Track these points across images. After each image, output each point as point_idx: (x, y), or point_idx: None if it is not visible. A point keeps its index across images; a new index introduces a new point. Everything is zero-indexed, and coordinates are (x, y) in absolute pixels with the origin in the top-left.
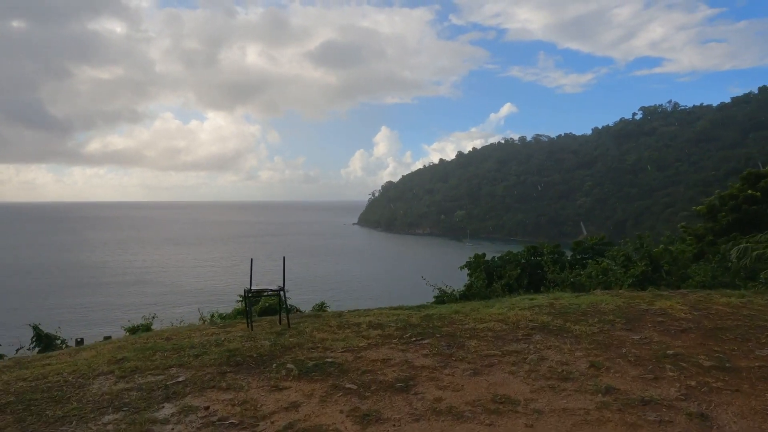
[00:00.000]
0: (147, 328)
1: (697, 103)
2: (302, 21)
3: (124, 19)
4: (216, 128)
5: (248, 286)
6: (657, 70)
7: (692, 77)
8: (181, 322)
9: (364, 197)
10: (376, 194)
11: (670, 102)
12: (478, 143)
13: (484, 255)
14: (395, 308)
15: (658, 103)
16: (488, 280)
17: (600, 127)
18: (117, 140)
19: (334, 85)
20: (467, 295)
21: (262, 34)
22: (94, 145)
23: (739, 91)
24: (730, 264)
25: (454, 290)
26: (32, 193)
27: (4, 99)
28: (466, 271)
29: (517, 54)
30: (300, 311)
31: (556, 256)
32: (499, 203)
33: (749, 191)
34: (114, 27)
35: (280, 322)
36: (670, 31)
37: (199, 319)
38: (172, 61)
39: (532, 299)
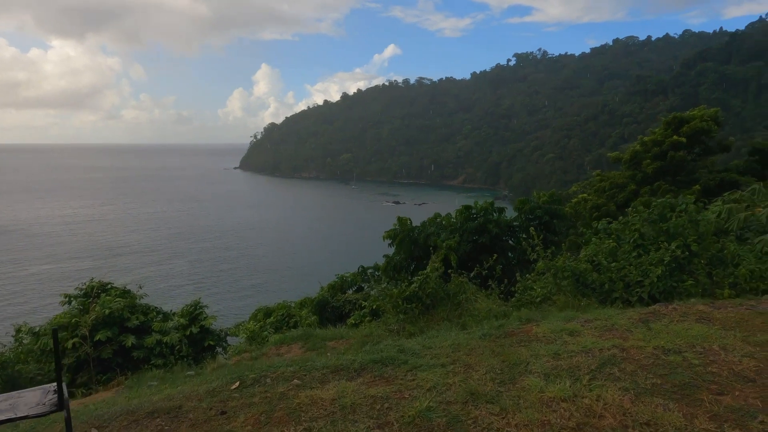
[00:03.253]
0: None
1: (563, 52)
2: None
3: None
4: (64, 59)
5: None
6: (528, 18)
7: (558, 27)
8: None
9: (246, 140)
10: (259, 137)
11: (540, 50)
12: (363, 85)
13: (409, 221)
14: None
15: (529, 50)
16: (418, 254)
17: (478, 72)
18: None
19: (205, 16)
20: (413, 297)
21: None
22: None
23: (596, 43)
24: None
25: (381, 280)
26: None
27: None
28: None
29: None
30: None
31: (495, 216)
32: (384, 146)
33: (675, 137)
34: None
35: None
36: None
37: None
38: None
39: (573, 334)
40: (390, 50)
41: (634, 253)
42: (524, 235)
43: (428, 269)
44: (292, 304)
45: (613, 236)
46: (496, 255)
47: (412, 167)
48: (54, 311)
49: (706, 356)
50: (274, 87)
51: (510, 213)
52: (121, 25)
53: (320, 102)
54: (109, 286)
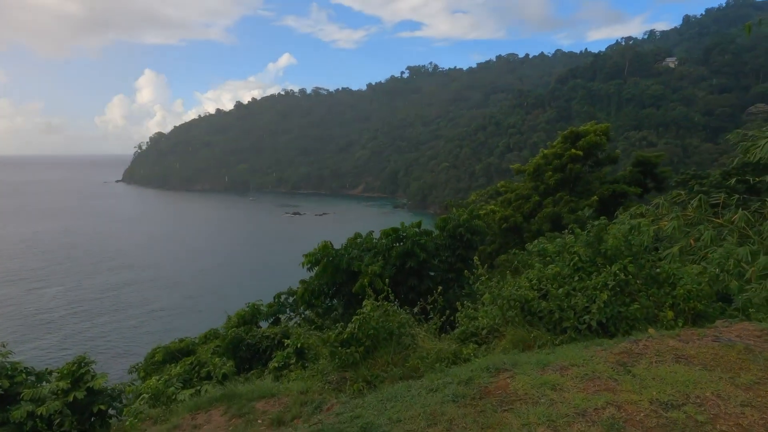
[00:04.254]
0: None
1: (452, 66)
2: None
3: None
4: None
5: None
6: (418, 33)
7: (447, 43)
8: None
9: (129, 150)
10: (144, 147)
11: (431, 63)
12: (257, 93)
13: (331, 244)
14: None
15: (421, 63)
16: (340, 279)
17: (374, 83)
18: None
19: (77, 16)
20: (351, 339)
21: None
22: None
23: (481, 58)
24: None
25: (297, 307)
26: None
27: None
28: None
29: (291, 3)
30: None
31: (423, 239)
32: (282, 156)
33: (573, 150)
34: None
35: None
36: None
37: None
38: None
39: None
40: (285, 59)
41: (576, 277)
42: (447, 254)
43: (367, 307)
44: (196, 340)
45: (548, 258)
46: (441, 288)
47: (311, 177)
48: None
49: (707, 409)
50: (160, 94)
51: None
52: None
53: (212, 111)
54: None
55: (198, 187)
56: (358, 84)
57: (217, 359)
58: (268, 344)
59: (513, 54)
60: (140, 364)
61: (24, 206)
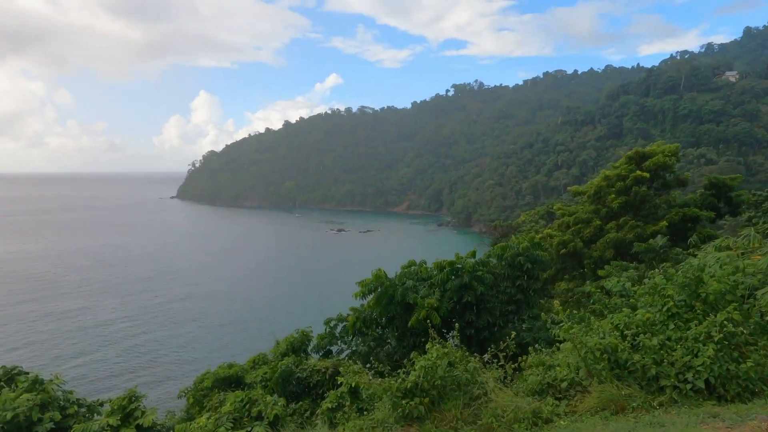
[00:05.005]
0: None
1: (498, 84)
2: None
3: None
4: None
5: None
6: (463, 51)
7: (492, 60)
8: None
9: (183, 168)
10: (197, 165)
11: (476, 81)
12: (305, 113)
13: (383, 274)
14: None
15: (466, 81)
16: (394, 311)
17: (418, 101)
18: None
19: (138, 41)
20: (415, 389)
21: None
22: None
23: (527, 75)
24: None
25: (347, 336)
26: None
27: None
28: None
29: (338, 25)
30: None
31: (481, 272)
32: (327, 174)
33: (638, 172)
34: None
35: None
36: (473, 17)
37: None
38: None
39: None
40: (332, 79)
41: (671, 325)
42: (506, 285)
43: (432, 353)
44: (245, 366)
45: (632, 300)
46: (514, 333)
47: (355, 195)
48: None
49: None
50: (213, 114)
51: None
52: (45, 48)
53: (262, 130)
54: (15, 371)
55: (246, 204)
56: (402, 102)
57: (268, 397)
58: (319, 379)
59: (561, 70)
60: (189, 389)
61: (88, 220)
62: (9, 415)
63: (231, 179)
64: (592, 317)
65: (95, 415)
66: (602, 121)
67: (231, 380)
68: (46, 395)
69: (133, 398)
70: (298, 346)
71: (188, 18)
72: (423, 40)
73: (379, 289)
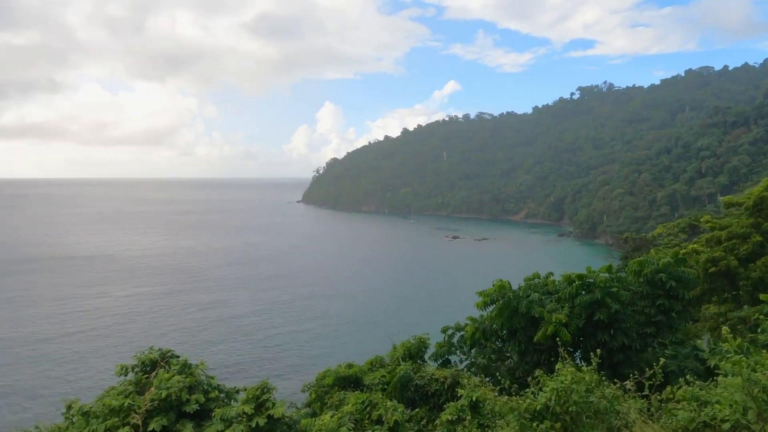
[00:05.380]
0: None
1: (630, 85)
2: None
3: None
4: (147, 101)
5: None
6: (591, 51)
7: (623, 60)
8: None
9: (308, 174)
10: (321, 171)
11: (605, 83)
12: (423, 120)
13: (507, 284)
14: None
15: (593, 83)
16: (517, 325)
17: (540, 106)
18: (35, 111)
19: (273, 59)
20: (546, 412)
21: (193, 1)
22: (9, 117)
23: (665, 74)
24: None
25: (465, 346)
26: None
27: None
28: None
29: (458, 32)
30: None
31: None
32: (443, 180)
33: None
34: None
35: None
36: (602, 15)
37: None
38: (94, 28)
39: None
40: (450, 86)
41: None
42: (644, 304)
43: (565, 376)
44: (363, 367)
45: None
46: (663, 360)
47: (471, 202)
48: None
49: None
50: (336, 123)
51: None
52: (197, 68)
53: (381, 137)
54: (169, 354)
55: (365, 209)
56: (522, 108)
57: (388, 402)
58: (437, 388)
59: (707, 67)
60: (312, 385)
61: (227, 221)
62: (164, 394)
63: (351, 185)
64: (764, 351)
65: (232, 401)
66: (759, 122)
67: (350, 380)
68: (193, 379)
69: (266, 389)
70: (414, 352)
71: (316, 34)
72: (546, 42)
73: (502, 300)
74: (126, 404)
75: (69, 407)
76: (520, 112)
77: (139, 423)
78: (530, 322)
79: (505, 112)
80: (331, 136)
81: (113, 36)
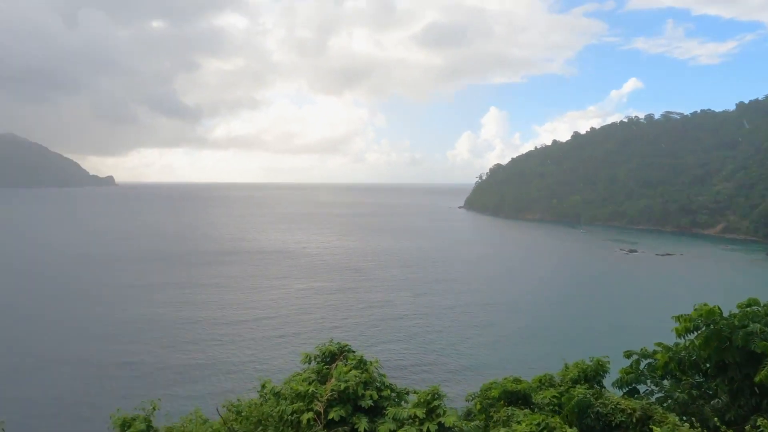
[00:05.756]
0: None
1: None
2: (408, 4)
3: (245, 13)
4: (326, 113)
5: None
6: None
7: None
8: None
9: (471, 180)
10: (484, 177)
11: None
12: (596, 123)
13: (717, 310)
14: None
15: None
16: (729, 359)
17: (746, 101)
18: (239, 126)
19: (439, 67)
20: None
21: (368, 19)
22: (220, 131)
23: None
24: None
25: (657, 376)
26: (171, 175)
27: (148, 92)
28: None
29: (641, 24)
30: None
31: None
32: (619, 188)
33: None
34: (236, 21)
35: None
36: None
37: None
38: (286, 50)
39: None
40: (630, 84)
41: None
42: None
43: None
44: (532, 384)
45: None
46: None
47: (652, 212)
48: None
49: None
50: (501, 129)
51: None
52: (370, 80)
53: (548, 142)
54: (347, 348)
55: (528, 216)
56: (722, 104)
57: (567, 429)
58: (623, 420)
59: None
60: (476, 395)
61: (392, 224)
62: (342, 386)
63: (515, 192)
64: None
65: (402, 401)
66: None
67: (517, 395)
68: (368, 375)
69: (437, 395)
70: (591, 375)
71: (483, 40)
72: (757, 27)
73: (709, 329)
74: (310, 391)
75: (263, 386)
76: (718, 109)
77: (321, 411)
78: (748, 357)
79: (698, 111)
80: (495, 141)
81: (301, 56)
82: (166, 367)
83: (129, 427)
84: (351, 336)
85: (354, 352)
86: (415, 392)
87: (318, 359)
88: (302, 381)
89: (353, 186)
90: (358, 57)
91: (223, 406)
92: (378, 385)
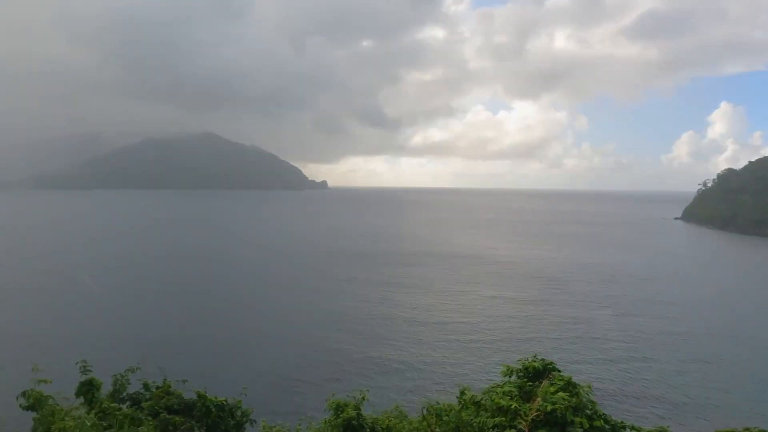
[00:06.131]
0: None
1: None
2: None
3: (444, 25)
4: (522, 117)
5: None
6: None
7: None
8: None
9: (692, 188)
10: (709, 184)
11: None
12: None
13: None
14: None
15: None
16: None
17: None
18: (435, 133)
19: (654, 61)
20: None
21: (571, 16)
22: (417, 139)
23: None
24: None
25: None
26: (374, 180)
27: (357, 105)
28: None
29: None
30: None
31: None
32: None
33: None
34: (435, 33)
35: None
36: None
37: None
38: (482, 58)
39: None
40: None
41: None
42: None
43: None
44: None
45: None
46: None
47: None
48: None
49: None
50: (734, 127)
51: None
52: (570, 81)
53: None
54: (551, 366)
55: None
56: None
57: None
58: None
59: None
60: None
61: (592, 234)
62: (549, 407)
63: (753, 202)
64: None
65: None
66: None
67: None
68: (578, 400)
69: None
70: None
71: (713, 24)
72: None
73: None
74: (513, 407)
75: (462, 392)
76: None
77: (526, 430)
78: None
79: None
80: (725, 142)
81: (497, 61)
82: (366, 359)
83: (342, 411)
84: (545, 351)
85: (560, 371)
86: (633, 428)
87: (520, 374)
88: (503, 395)
89: (549, 192)
90: (558, 58)
91: (423, 407)
92: (589, 413)
